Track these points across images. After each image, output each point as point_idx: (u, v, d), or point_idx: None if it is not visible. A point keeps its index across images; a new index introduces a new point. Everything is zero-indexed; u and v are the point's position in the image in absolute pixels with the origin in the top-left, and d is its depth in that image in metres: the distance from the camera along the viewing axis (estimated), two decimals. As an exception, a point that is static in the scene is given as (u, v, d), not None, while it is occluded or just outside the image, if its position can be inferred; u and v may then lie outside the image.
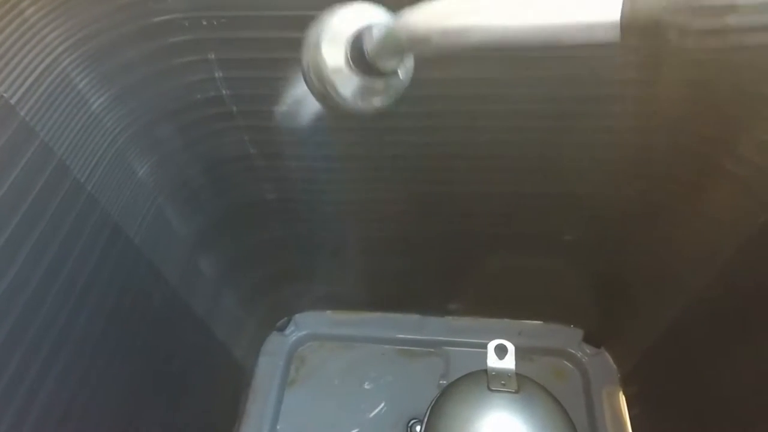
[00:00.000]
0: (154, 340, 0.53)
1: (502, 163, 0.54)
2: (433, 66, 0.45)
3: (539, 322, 0.80)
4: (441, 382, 0.76)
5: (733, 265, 0.49)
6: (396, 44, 0.26)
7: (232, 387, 0.76)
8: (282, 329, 0.84)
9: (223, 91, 0.49)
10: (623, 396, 0.73)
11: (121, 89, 0.43)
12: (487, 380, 0.49)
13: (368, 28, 0.28)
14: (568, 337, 0.78)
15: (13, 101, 0.34)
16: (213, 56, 0.45)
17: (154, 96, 0.46)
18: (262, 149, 0.56)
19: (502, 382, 0.48)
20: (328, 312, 0.85)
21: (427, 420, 0.49)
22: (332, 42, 0.28)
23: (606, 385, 0.74)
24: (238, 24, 0.43)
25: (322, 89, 0.29)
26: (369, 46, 0.27)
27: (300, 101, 0.42)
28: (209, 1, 0.41)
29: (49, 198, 0.38)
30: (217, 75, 0.47)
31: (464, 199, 0.59)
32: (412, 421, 0.72)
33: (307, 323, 0.84)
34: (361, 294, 0.81)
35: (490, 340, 0.52)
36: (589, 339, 0.77)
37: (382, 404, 0.76)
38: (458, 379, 0.51)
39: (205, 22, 0.42)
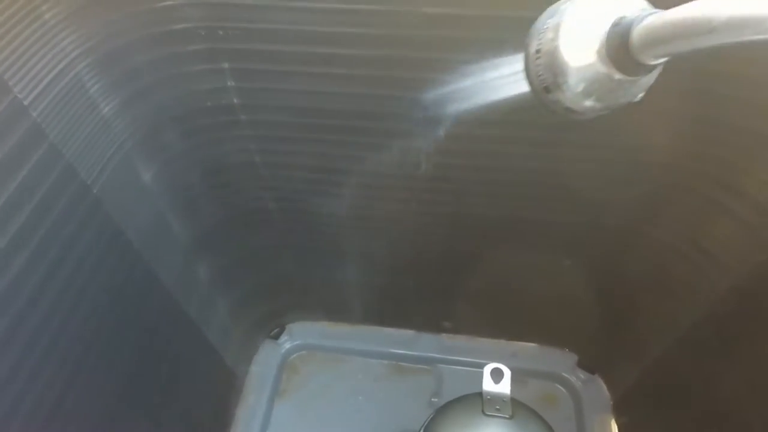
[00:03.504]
0: (146, 344, 0.53)
1: (504, 189, 0.54)
2: (444, 88, 0.45)
3: (534, 344, 0.80)
4: (433, 399, 0.76)
5: (726, 304, 0.49)
6: (673, 35, 0.22)
7: (222, 394, 0.75)
8: (276, 338, 0.83)
9: (234, 100, 0.49)
10: (615, 424, 0.73)
11: (131, 94, 0.43)
12: (481, 404, 0.48)
13: (633, 16, 0.24)
14: (562, 361, 0.78)
15: (26, 102, 0.34)
16: (227, 66, 0.46)
17: (164, 102, 0.46)
18: (267, 159, 0.56)
19: (497, 406, 0.48)
20: (323, 323, 0.85)
21: (420, 441, 0.49)
22: (582, 26, 0.25)
23: (598, 411, 0.73)
24: (254, 36, 0.43)
25: (551, 74, 0.26)
26: (637, 32, 0.23)
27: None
28: (227, 13, 0.41)
29: (54, 199, 0.38)
30: (229, 84, 0.47)
31: (466, 220, 0.60)
32: (402, 438, 0.72)
33: (301, 333, 0.84)
34: (357, 307, 0.81)
35: (484, 360, 0.52)
36: (583, 364, 0.77)
37: (372, 419, 0.76)
38: (452, 401, 0.51)
39: (221, 32, 0.43)
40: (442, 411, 0.50)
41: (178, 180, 0.53)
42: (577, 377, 0.76)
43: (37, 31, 0.33)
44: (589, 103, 0.26)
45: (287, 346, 0.83)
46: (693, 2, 0.21)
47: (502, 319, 0.78)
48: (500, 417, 0.48)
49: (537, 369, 0.78)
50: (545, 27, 0.26)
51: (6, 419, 0.35)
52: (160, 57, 0.43)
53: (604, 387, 0.75)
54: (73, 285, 0.41)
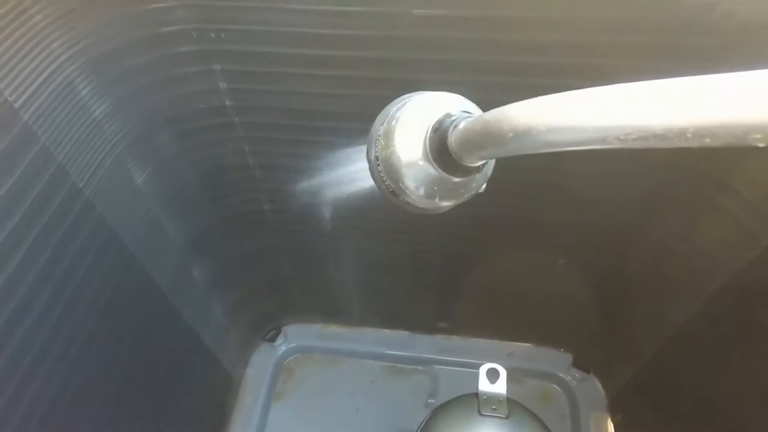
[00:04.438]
0: (142, 346, 0.53)
1: (500, 188, 0.54)
2: (445, 89, 0.45)
3: (529, 344, 0.80)
4: (429, 400, 0.76)
5: (719, 301, 0.50)
6: (491, 138, 0.21)
7: (218, 396, 0.75)
8: (272, 340, 0.83)
9: (227, 102, 0.49)
10: (611, 422, 0.73)
11: (123, 97, 0.43)
12: (477, 404, 0.49)
13: (452, 117, 0.24)
14: (557, 360, 0.78)
15: (17, 105, 0.34)
16: (218, 67, 0.46)
17: (156, 104, 0.46)
18: (261, 160, 0.56)
19: (493, 406, 0.48)
20: (319, 325, 0.84)
21: (416, 441, 0.49)
22: (408, 130, 0.25)
23: (594, 410, 0.74)
24: (246, 38, 0.43)
25: (392, 181, 0.26)
26: (454, 137, 0.23)
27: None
28: (218, 15, 0.41)
29: (47, 201, 0.38)
30: (221, 86, 0.47)
31: (462, 220, 0.60)
32: (398, 439, 0.72)
33: (296, 335, 0.84)
34: (352, 308, 0.81)
35: (480, 360, 0.52)
36: (578, 363, 0.77)
37: (369, 421, 0.75)
38: (448, 402, 0.51)
39: (212, 34, 0.42)
40: (439, 411, 0.50)
41: (172, 182, 0.53)
42: (573, 376, 0.76)
43: (27, 33, 0.33)
44: (436, 202, 0.26)
45: (283, 348, 0.83)
46: (501, 108, 0.21)
47: (498, 319, 0.78)
48: (496, 417, 0.48)
49: (532, 369, 0.78)
50: (378, 135, 0.27)
51: (3, 416, 0.34)
52: (152, 59, 0.43)
53: (599, 386, 0.76)
54: (66, 287, 0.41)
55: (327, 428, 0.75)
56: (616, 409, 0.73)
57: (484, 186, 0.28)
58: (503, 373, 0.50)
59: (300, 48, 0.44)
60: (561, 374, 0.77)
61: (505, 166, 0.52)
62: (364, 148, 0.54)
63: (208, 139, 0.52)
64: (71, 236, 0.40)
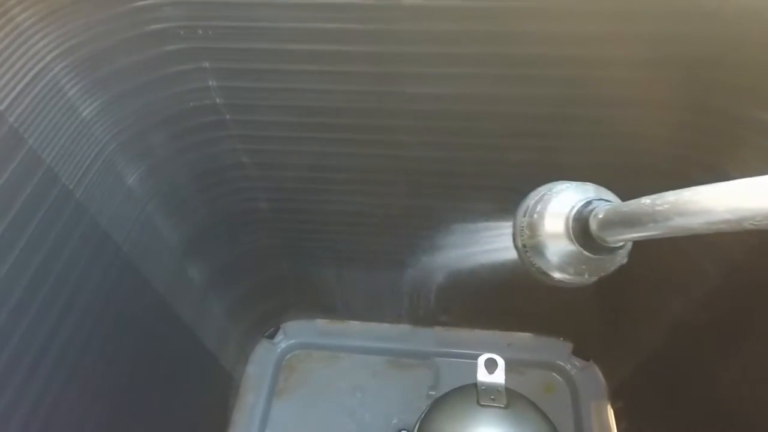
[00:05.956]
0: (140, 348, 0.53)
1: (499, 183, 0.54)
2: (432, 83, 0.45)
3: (529, 334, 0.80)
4: (430, 393, 0.76)
5: (718, 290, 0.50)
6: (631, 225, 0.25)
7: (219, 395, 0.75)
8: (271, 337, 0.83)
9: (217, 100, 0.48)
10: (612, 409, 0.73)
11: (112, 97, 0.43)
12: (476, 395, 0.49)
13: (591, 207, 0.28)
14: (557, 349, 0.78)
15: (2, 107, 0.33)
16: (208, 65, 0.45)
17: (145, 104, 0.46)
18: (255, 158, 0.55)
19: (492, 396, 0.48)
20: (318, 321, 0.84)
21: (416, 434, 0.49)
22: (552, 220, 0.29)
23: (595, 398, 0.74)
24: (235, 34, 0.42)
25: (542, 264, 0.30)
26: (596, 224, 0.27)
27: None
28: (206, 12, 0.41)
29: (37, 205, 0.37)
30: (211, 84, 0.47)
31: (458, 213, 0.60)
32: (401, 433, 0.72)
33: (296, 332, 0.84)
34: (351, 303, 0.81)
35: (480, 352, 0.52)
36: (578, 352, 0.77)
37: (371, 415, 0.76)
38: (447, 393, 0.51)
39: (200, 32, 0.42)
40: (438, 403, 0.50)
41: (164, 182, 0.53)
42: (573, 365, 0.77)
43: (9, 34, 0.33)
44: (585, 278, 0.30)
45: (283, 345, 0.83)
46: (642, 198, 0.24)
47: (497, 310, 0.78)
48: (495, 407, 0.48)
49: (533, 359, 0.78)
50: (522, 225, 0.31)
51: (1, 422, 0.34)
52: (139, 58, 0.42)
53: (600, 374, 0.76)
54: (61, 291, 0.40)
55: (329, 424, 0.75)
56: (616, 396, 0.73)
57: (626, 258, 0.31)
58: (501, 363, 0.50)
59: (290, 44, 0.43)
60: (561, 363, 0.77)
61: (503, 159, 0.52)
62: (356, 142, 0.54)
63: (199, 137, 0.52)
64: (63, 239, 0.40)
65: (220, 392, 0.75)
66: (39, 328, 0.38)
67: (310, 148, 0.53)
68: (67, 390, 0.41)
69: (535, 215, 0.30)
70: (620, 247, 0.29)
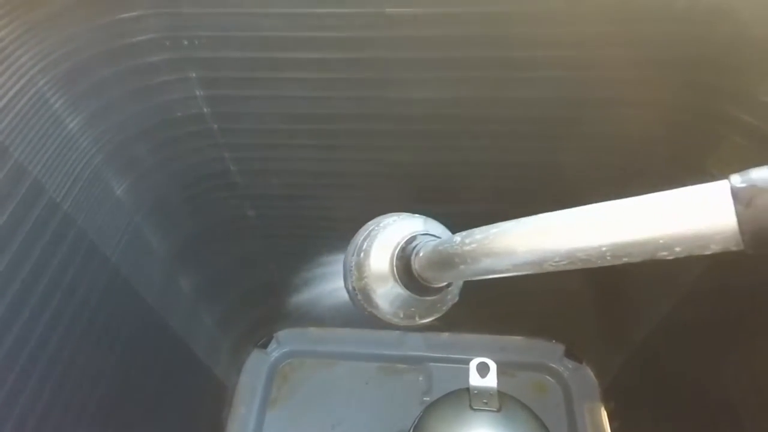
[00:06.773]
0: (130, 360, 0.52)
1: (489, 183, 0.55)
2: (421, 87, 0.45)
3: (521, 337, 0.80)
4: (424, 398, 0.76)
5: (704, 283, 0.50)
6: (446, 267, 0.23)
7: (212, 406, 0.74)
8: (264, 346, 0.83)
9: (204, 109, 0.48)
10: (605, 410, 0.73)
11: (98, 108, 0.43)
12: (469, 399, 0.49)
13: (413, 244, 0.26)
14: (549, 352, 0.78)
15: (-14, 122, 0.33)
16: (194, 75, 0.45)
17: (132, 115, 0.46)
18: (243, 166, 0.55)
19: (484, 400, 0.48)
20: (310, 329, 0.84)
21: (410, 440, 0.49)
22: (377, 260, 0.27)
23: (587, 399, 0.74)
24: (220, 44, 0.43)
25: (373, 308, 0.28)
26: (418, 264, 0.25)
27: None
28: (191, 22, 0.41)
29: (23, 217, 0.37)
30: (198, 93, 0.47)
31: (455, 219, 0.60)
32: (395, 439, 0.72)
33: (288, 340, 0.83)
34: (343, 310, 0.81)
35: (472, 356, 0.52)
36: (570, 354, 0.78)
37: (365, 422, 0.75)
38: (440, 398, 0.51)
39: (186, 42, 0.42)
40: (431, 408, 0.50)
41: (152, 193, 0.53)
42: (565, 367, 0.77)
43: (-8, 48, 0.33)
44: (417, 320, 0.29)
45: (276, 354, 0.82)
46: (456, 235, 0.22)
47: (488, 314, 0.78)
48: (488, 410, 0.48)
49: (525, 361, 0.78)
50: (351, 266, 0.29)
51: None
52: (125, 69, 0.42)
53: (592, 375, 0.76)
54: (48, 304, 0.40)
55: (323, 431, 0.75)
56: (609, 397, 0.74)
57: (458, 296, 0.30)
58: (493, 366, 0.50)
59: (275, 52, 0.43)
60: (553, 365, 0.77)
61: (496, 161, 0.52)
62: (343, 148, 0.54)
63: (187, 147, 0.52)
64: (50, 251, 0.40)
65: (213, 402, 0.74)
66: (26, 340, 0.38)
67: (297, 155, 0.54)
68: (55, 404, 0.41)
69: (362, 254, 0.28)
70: (448, 285, 0.27)
